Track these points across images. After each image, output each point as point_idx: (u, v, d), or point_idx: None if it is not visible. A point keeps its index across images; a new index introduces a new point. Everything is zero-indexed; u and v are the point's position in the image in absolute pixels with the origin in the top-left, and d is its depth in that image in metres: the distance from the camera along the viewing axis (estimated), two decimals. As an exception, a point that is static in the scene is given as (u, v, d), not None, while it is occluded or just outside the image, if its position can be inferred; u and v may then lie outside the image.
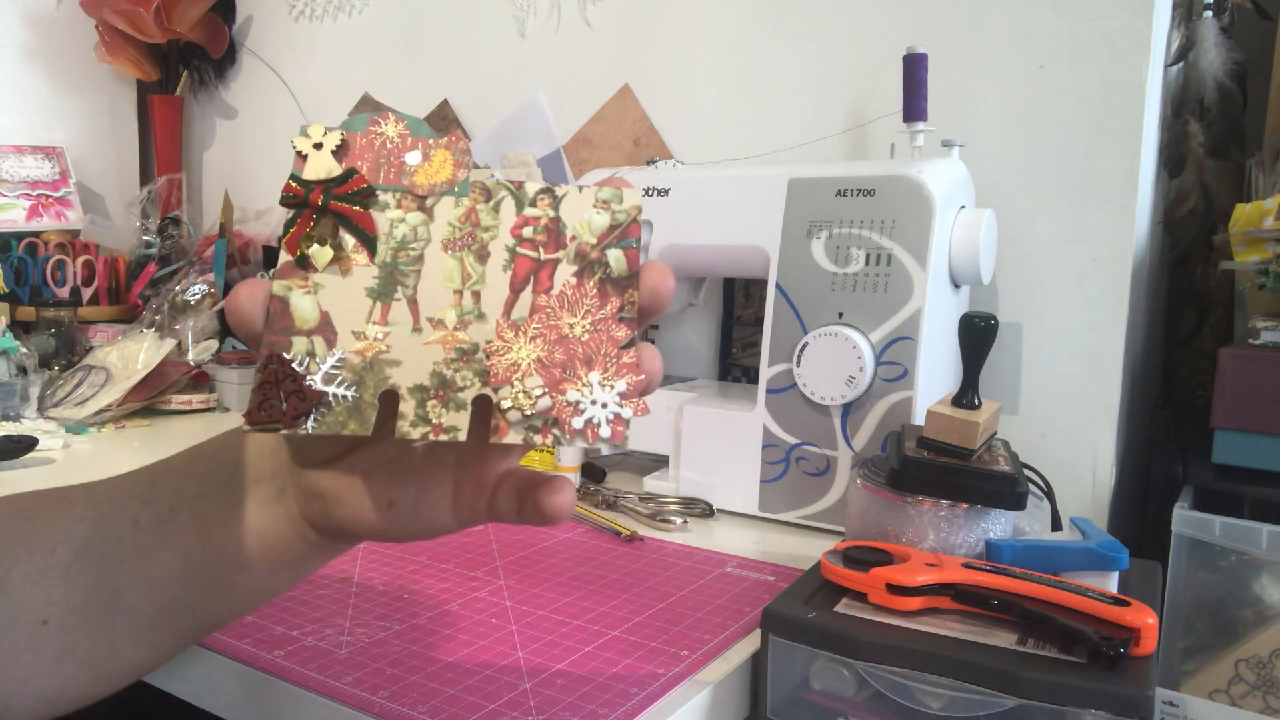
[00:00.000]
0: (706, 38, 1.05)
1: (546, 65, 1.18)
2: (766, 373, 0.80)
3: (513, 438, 0.33)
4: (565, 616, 0.58)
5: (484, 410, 0.34)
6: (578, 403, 0.33)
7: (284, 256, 0.34)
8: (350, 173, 0.35)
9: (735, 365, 1.04)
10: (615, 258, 0.35)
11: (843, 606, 0.53)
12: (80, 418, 1.06)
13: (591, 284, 0.35)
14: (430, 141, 0.35)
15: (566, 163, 1.17)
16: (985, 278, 0.78)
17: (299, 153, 0.35)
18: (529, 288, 0.35)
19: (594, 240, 0.35)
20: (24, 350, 1.12)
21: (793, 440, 0.79)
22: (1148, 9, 0.79)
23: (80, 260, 1.36)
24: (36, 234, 1.40)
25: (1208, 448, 0.71)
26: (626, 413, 0.33)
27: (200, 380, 1.21)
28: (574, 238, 0.35)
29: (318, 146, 0.35)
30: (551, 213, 0.35)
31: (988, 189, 0.85)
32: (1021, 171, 0.85)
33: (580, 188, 0.36)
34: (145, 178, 1.63)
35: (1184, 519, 0.66)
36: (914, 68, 0.84)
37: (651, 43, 1.09)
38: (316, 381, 0.33)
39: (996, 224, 0.80)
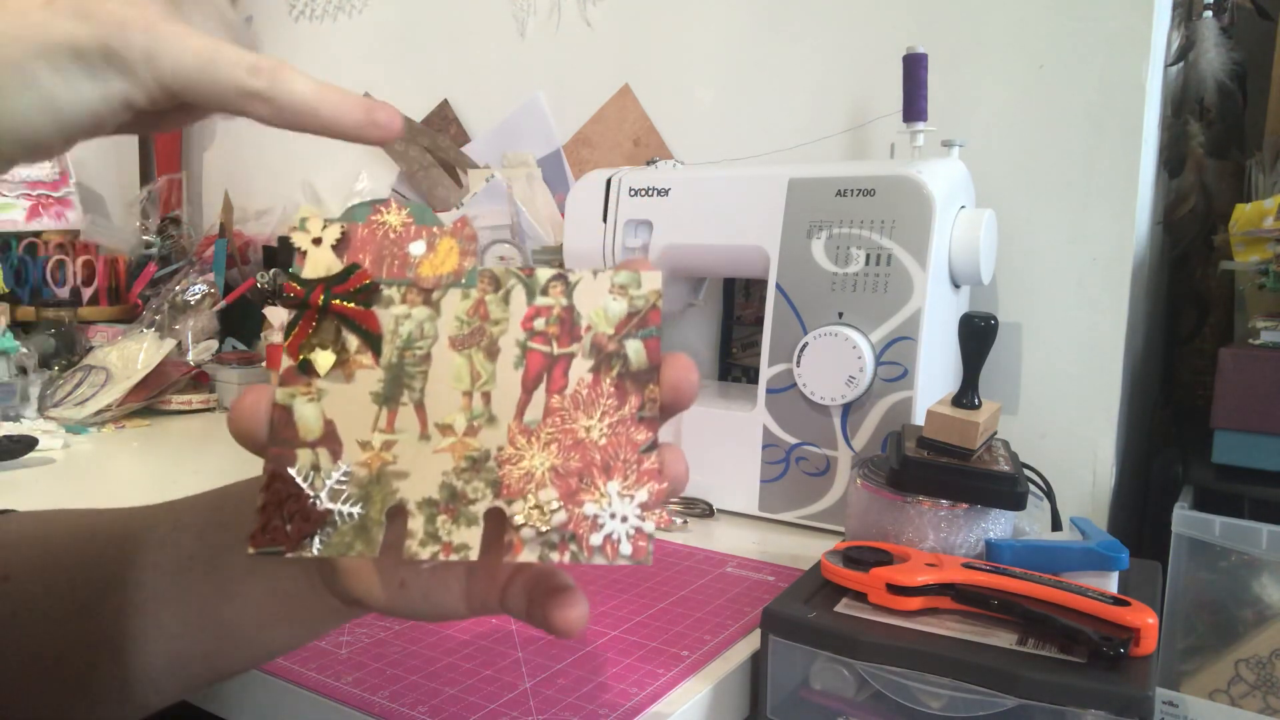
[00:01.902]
0: (706, 38, 1.05)
1: (546, 65, 1.18)
2: (766, 373, 0.80)
3: (527, 556, 0.31)
4: (565, 616, 0.58)
5: (497, 521, 0.32)
6: (596, 516, 0.31)
7: (286, 361, 0.33)
8: (352, 268, 0.33)
9: (735, 365, 1.04)
10: (634, 349, 0.33)
11: (843, 606, 0.53)
12: (80, 418, 1.06)
13: (609, 380, 0.33)
14: (435, 230, 0.34)
15: (566, 163, 1.17)
16: (985, 278, 0.78)
17: (298, 249, 0.33)
18: (542, 386, 0.33)
19: (611, 330, 0.33)
20: (24, 350, 1.12)
21: (793, 440, 0.79)
22: (1148, 9, 0.79)
23: (80, 260, 1.36)
24: (36, 234, 1.40)
25: (1208, 448, 0.71)
26: (649, 526, 0.31)
27: (200, 380, 1.21)
28: (589, 328, 0.33)
29: (316, 242, 0.33)
30: (564, 301, 0.33)
31: (988, 189, 0.85)
32: (1021, 171, 0.85)
33: (595, 272, 0.33)
34: (145, 178, 1.63)
35: (1184, 519, 0.66)
36: (914, 68, 0.84)
37: (651, 43, 1.09)
38: (322, 499, 0.32)
39: (996, 224, 0.80)
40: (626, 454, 0.32)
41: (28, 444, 0.90)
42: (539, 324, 0.33)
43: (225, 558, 0.39)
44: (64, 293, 1.35)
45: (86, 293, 1.36)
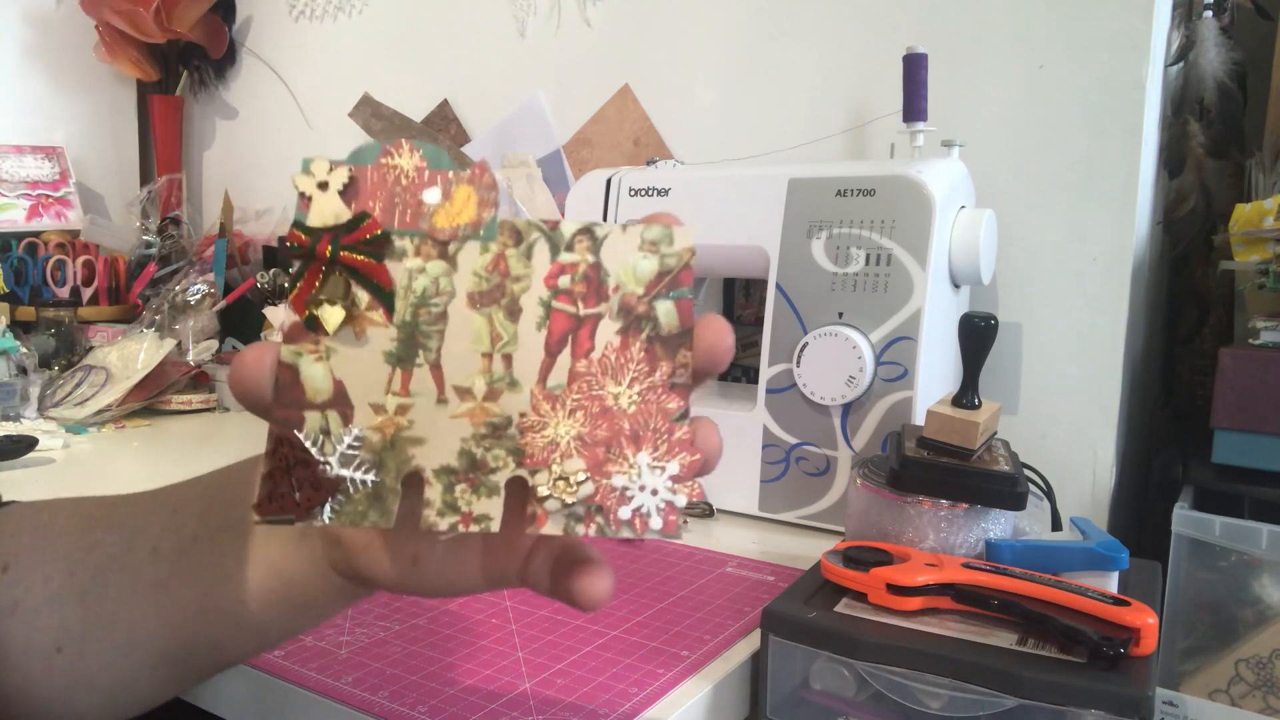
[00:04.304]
0: (706, 38, 1.05)
1: (546, 65, 1.18)
2: (766, 373, 0.80)
3: (551, 528, 0.30)
4: (565, 616, 0.58)
5: (519, 490, 0.30)
6: (625, 489, 0.30)
7: (291, 317, 0.30)
8: (362, 216, 0.30)
9: (735, 365, 1.04)
10: (665, 311, 0.31)
11: (843, 606, 0.53)
12: (80, 418, 1.06)
13: (638, 344, 0.31)
14: (451, 175, 0.31)
15: (566, 163, 1.17)
16: (985, 278, 0.78)
17: (302, 194, 0.30)
18: (567, 349, 0.31)
19: (640, 290, 0.31)
20: (24, 350, 1.12)
21: (793, 440, 0.79)
22: (1148, 9, 0.79)
23: (80, 260, 1.36)
24: (36, 234, 1.40)
25: (1208, 448, 0.71)
26: (680, 500, 0.30)
27: (200, 380, 1.21)
28: (617, 288, 0.31)
29: (322, 186, 0.30)
30: (591, 258, 0.31)
31: (988, 189, 0.85)
32: (1021, 171, 0.85)
33: (624, 226, 0.31)
34: (145, 178, 1.63)
35: (1184, 519, 0.66)
36: (914, 68, 0.84)
37: (651, 43, 1.09)
38: (333, 464, 0.30)
39: (996, 224, 0.80)
40: (657, 423, 0.30)
41: (28, 444, 0.90)
42: (564, 282, 0.31)
43: (227, 538, 0.38)
44: (64, 293, 1.35)
45: (86, 293, 1.36)
